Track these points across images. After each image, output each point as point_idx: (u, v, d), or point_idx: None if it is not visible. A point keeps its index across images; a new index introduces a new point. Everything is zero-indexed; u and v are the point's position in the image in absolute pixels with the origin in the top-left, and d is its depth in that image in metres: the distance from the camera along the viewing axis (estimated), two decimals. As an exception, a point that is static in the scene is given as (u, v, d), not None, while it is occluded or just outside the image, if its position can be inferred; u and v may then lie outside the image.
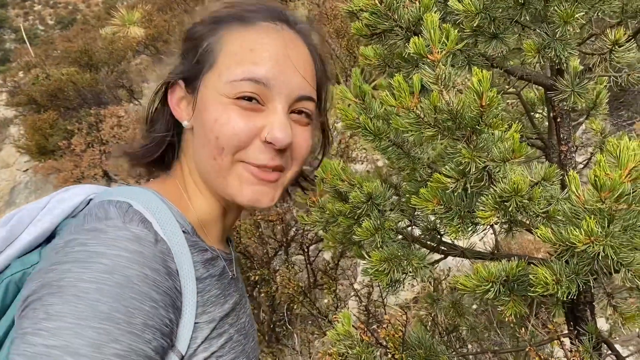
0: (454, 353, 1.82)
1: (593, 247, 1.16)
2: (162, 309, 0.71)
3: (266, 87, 0.86)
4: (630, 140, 1.14)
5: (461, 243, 1.93)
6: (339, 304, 2.43)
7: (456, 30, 1.31)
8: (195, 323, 0.78)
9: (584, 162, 2.17)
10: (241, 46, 0.87)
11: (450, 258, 2.03)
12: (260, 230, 3.09)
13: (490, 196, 1.33)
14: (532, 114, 2.19)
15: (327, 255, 2.86)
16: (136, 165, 1.00)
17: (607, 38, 1.32)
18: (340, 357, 1.80)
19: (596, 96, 2.05)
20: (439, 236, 1.78)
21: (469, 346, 2.96)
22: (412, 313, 2.58)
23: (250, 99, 0.85)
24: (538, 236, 1.23)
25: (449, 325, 2.09)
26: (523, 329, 2.22)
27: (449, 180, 1.38)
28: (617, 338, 3.52)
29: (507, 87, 1.81)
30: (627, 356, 3.28)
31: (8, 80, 17.94)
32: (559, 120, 1.71)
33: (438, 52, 1.31)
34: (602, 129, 1.92)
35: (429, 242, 1.82)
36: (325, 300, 2.56)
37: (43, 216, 0.84)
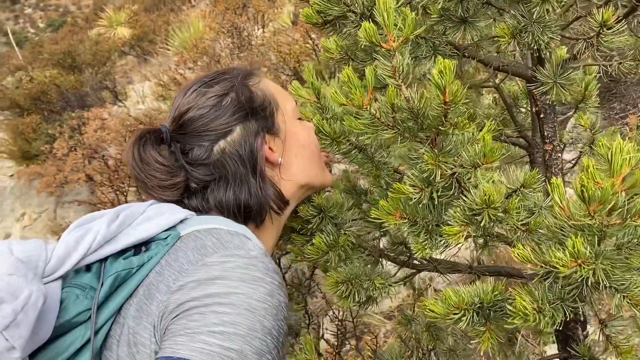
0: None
1: (580, 271, 0.95)
2: (286, 332, 0.86)
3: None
4: (623, 138, 0.93)
5: (436, 255, 1.73)
6: (312, 320, 2.23)
7: (414, 13, 1.10)
8: None
9: (574, 160, 1.97)
10: (274, 86, 1.23)
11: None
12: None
13: (458, 209, 1.12)
14: (516, 109, 1.98)
15: (303, 265, 2.65)
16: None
17: (593, 19, 1.11)
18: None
19: (585, 87, 1.85)
20: (407, 250, 1.58)
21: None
22: (392, 325, 2.37)
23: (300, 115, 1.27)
24: (515, 256, 1.02)
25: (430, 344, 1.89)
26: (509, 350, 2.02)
27: (411, 190, 1.18)
28: None
29: (483, 79, 1.60)
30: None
31: (-5, 84, 17.68)
32: (542, 116, 1.50)
33: (394, 39, 1.10)
34: (592, 124, 1.71)
35: (399, 257, 1.62)
36: (299, 316, 2.36)
37: (142, 222, 0.96)
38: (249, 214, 1.09)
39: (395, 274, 1.59)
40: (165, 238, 0.93)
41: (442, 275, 1.61)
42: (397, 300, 3.30)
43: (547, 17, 1.13)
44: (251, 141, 1.09)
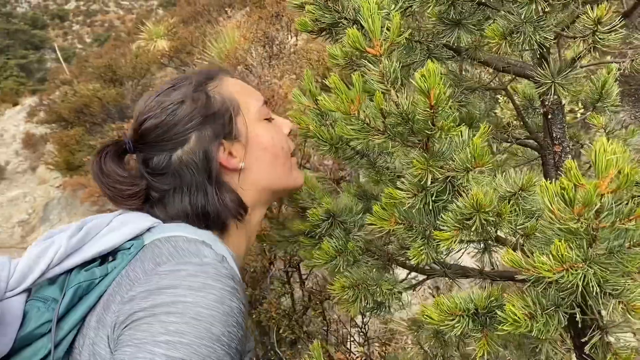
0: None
1: (568, 276, 0.92)
2: (244, 339, 0.85)
3: (266, 104, 1.23)
4: (610, 140, 0.90)
5: (448, 259, 1.70)
6: (330, 326, 2.23)
7: (399, 16, 1.10)
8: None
9: (589, 163, 1.90)
10: (238, 86, 1.19)
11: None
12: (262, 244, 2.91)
13: (450, 213, 1.11)
14: (532, 110, 1.94)
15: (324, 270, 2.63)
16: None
17: (587, 16, 1.08)
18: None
19: (601, 86, 1.79)
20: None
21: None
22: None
23: (269, 115, 1.22)
24: (505, 262, 1.00)
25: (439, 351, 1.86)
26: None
27: (403, 194, 1.17)
28: None
29: (488, 80, 1.57)
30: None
31: (45, 99, 18.42)
32: (549, 116, 1.47)
33: (380, 44, 1.10)
34: (606, 125, 1.65)
35: (407, 262, 1.60)
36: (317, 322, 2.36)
37: (107, 232, 0.97)
38: (208, 221, 1.07)
39: (405, 279, 1.58)
40: (129, 248, 0.94)
41: (451, 280, 1.59)
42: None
43: (540, 17, 1.11)
44: (206, 148, 1.08)
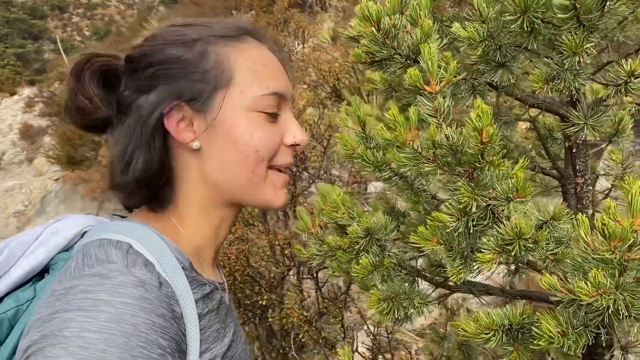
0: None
1: (601, 300, 1.05)
2: (169, 356, 0.69)
3: (282, 99, 0.94)
4: (643, 183, 1.03)
5: (471, 278, 1.83)
6: (347, 333, 2.35)
7: (456, 61, 1.23)
8: None
9: (606, 192, 2.05)
10: (255, 61, 0.92)
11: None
12: (274, 251, 3.03)
13: (492, 238, 1.23)
14: (551, 139, 2.07)
15: (339, 279, 2.76)
16: (129, 201, 0.94)
17: (621, 68, 1.22)
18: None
19: (618, 122, 1.93)
20: (444, 272, 1.69)
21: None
22: (424, 342, 2.47)
23: (274, 110, 0.92)
24: (542, 285, 1.13)
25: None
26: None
27: (449, 218, 1.29)
28: None
29: (519, 114, 1.70)
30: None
31: (44, 90, 18.40)
32: (574, 151, 1.60)
33: (436, 83, 1.23)
34: (623, 160, 1.79)
35: (435, 278, 1.73)
36: (332, 328, 2.48)
37: (36, 249, 0.83)
38: (148, 187, 0.88)
39: (431, 293, 1.70)
40: (58, 262, 0.82)
41: (475, 297, 1.71)
42: (430, 318, 3.39)
43: (578, 67, 1.24)
44: (162, 100, 0.87)
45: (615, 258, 1.03)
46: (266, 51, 0.95)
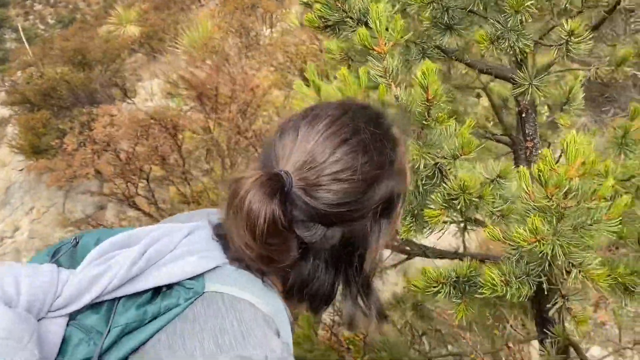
0: (417, 353, 1.76)
1: (540, 246, 1.10)
2: None
3: None
4: (580, 133, 1.08)
5: (428, 243, 1.87)
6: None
7: (404, 20, 1.25)
8: None
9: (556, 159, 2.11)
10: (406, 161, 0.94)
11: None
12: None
13: (439, 194, 1.27)
14: (506, 110, 2.13)
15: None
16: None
17: (562, 28, 1.26)
18: (301, 360, 1.75)
19: (569, 90, 1.99)
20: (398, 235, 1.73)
21: (449, 347, 2.90)
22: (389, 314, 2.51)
23: None
24: (486, 235, 1.17)
25: (422, 328, 2.03)
26: (498, 330, 2.16)
27: (398, 177, 1.32)
28: (597, 339, 3.46)
29: (471, 80, 1.75)
30: (605, 357, 3.23)
31: (6, 79, 17.87)
32: (523, 115, 1.65)
33: (384, 43, 1.25)
34: (571, 125, 1.85)
35: (391, 242, 1.76)
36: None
37: (170, 262, 0.85)
38: (309, 299, 0.88)
39: (387, 257, 1.74)
40: (189, 288, 0.83)
41: (433, 261, 1.76)
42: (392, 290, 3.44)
43: (521, 26, 1.27)
44: (372, 241, 0.87)
45: (553, 205, 1.07)
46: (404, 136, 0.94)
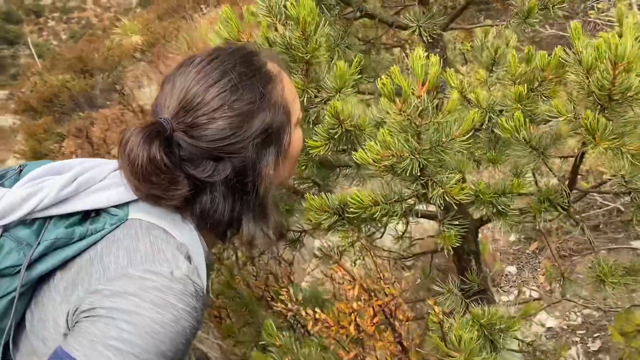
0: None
1: (400, 163, 1.16)
2: (187, 351, 0.89)
3: None
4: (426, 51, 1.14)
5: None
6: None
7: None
8: None
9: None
10: (290, 91, 1.05)
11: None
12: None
13: (320, 125, 1.34)
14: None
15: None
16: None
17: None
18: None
19: (495, 51, 2.04)
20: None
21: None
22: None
23: None
24: (356, 159, 1.23)
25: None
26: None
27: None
28: (502, 284, 3.66)
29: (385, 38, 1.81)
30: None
31: (16, 92, 18.23)
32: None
33: (266, -19, 1.33)
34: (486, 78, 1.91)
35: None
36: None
37: (99, 190, 0.94)
38: (210, 225, 0.98)
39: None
40: (114, 215, 0.92)
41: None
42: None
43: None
44: (261, 164, 0.98)
45: (404, 121, 1.13)
46: (285, 72, 1.07)
